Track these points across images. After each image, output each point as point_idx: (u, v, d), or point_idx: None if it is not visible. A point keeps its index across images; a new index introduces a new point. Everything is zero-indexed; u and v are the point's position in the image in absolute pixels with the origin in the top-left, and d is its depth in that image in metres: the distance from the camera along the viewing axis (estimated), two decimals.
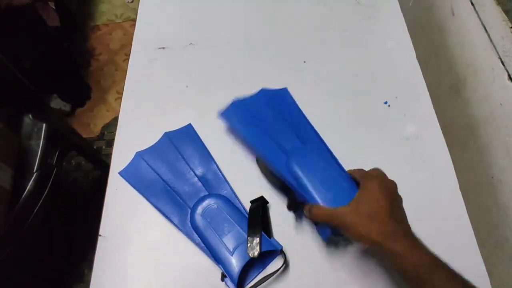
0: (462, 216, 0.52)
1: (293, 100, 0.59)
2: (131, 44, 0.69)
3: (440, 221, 0.51)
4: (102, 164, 1.28)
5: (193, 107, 0.60)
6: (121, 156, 0.56)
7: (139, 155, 0.56)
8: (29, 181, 0.83)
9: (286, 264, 0.47)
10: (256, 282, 0.46)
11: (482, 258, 0.48)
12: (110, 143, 1.45)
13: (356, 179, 0.45)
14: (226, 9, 0.74)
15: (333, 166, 0.48)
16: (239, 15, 0.74)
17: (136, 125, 0.59)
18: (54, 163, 0.91)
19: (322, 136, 0.56)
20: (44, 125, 0.90)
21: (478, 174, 0.60)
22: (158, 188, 0.53)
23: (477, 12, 0.62)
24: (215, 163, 0.55)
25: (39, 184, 0.84)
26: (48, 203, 0.87)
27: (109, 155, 0.59)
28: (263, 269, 0.48)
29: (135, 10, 0.76)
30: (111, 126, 1.49)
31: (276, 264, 0.48)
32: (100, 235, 0.49)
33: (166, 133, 0.58)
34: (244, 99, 0.58)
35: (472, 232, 0.50)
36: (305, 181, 0.46)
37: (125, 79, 0.64)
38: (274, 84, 0.64)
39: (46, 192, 0.86)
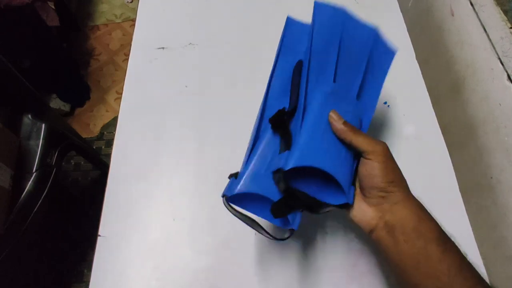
0: (461, 216, 0.52)
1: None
2: (130, 44, 0.69)
3: (439, 221, 0.51)
4: (101, 164, 1.28)
5: (193, 107, 0.60)
6: (120, 156, 0.56)
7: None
8: (29, 181, 0.83)
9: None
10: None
11: (481, 258, 0.48)
12: (109, 143, 1.46)
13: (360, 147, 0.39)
14: (226, 9, 0.74)
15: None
16: (239, 15, 0.74)
17: (136, 125, 0.59)
18: (53, 163, 0.91)
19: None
20: (43, 125, 0.90)
21: (477, 174, 0.60)
22: None
23: (476, 13, 0.62)
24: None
25: (38, 184, 0.85)
26: (47, 203, 0.87)
27: (108, 155, 0.59)
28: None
29: (135, 10, 0.76)
30: (111, 126, 1.49)
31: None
32: (99, 235, 0.49)
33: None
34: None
35: (471, 232, 0.50)
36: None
37: (124, 79, 0.64)
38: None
39: (45, 192, 0.86)
